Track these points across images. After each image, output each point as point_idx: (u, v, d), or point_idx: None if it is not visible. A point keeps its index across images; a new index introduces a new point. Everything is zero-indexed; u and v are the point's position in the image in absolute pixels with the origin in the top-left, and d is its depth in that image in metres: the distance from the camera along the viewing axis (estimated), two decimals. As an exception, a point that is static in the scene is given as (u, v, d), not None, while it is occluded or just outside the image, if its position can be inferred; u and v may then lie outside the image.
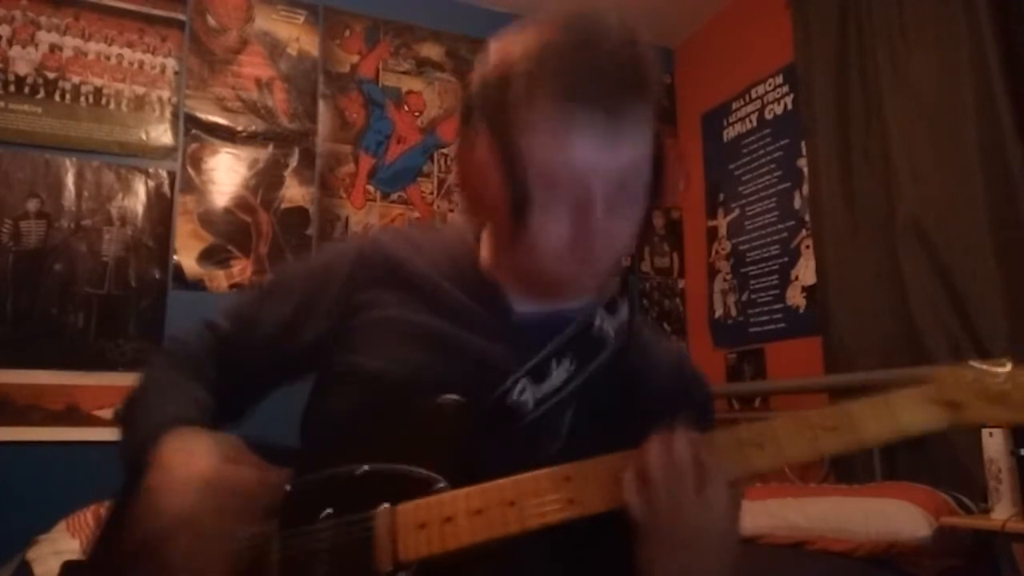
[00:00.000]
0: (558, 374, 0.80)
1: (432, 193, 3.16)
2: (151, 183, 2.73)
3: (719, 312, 3.33)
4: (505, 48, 0.76)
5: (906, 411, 0.69)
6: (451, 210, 3.16)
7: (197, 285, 2.72)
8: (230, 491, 0.70)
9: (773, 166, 3.09)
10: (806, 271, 2.88)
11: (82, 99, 2.68)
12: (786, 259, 2.98)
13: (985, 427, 1.81)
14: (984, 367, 0.69)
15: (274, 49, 3.01)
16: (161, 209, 2.72)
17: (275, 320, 0.89)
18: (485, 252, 0.88)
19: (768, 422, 0.71)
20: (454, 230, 0.95)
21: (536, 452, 0.75)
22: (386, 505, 0.72)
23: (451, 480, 0.73)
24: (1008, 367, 0.68)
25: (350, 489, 0.74)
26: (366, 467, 0.75)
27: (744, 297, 3.18)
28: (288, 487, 0.74)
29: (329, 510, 0.74)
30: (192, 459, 0.72)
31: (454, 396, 0.75)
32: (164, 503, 0.71)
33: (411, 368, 0.80)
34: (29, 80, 2.62)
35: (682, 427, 0.70)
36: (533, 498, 0.69)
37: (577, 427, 0.80)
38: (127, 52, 2.77)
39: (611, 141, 0.72)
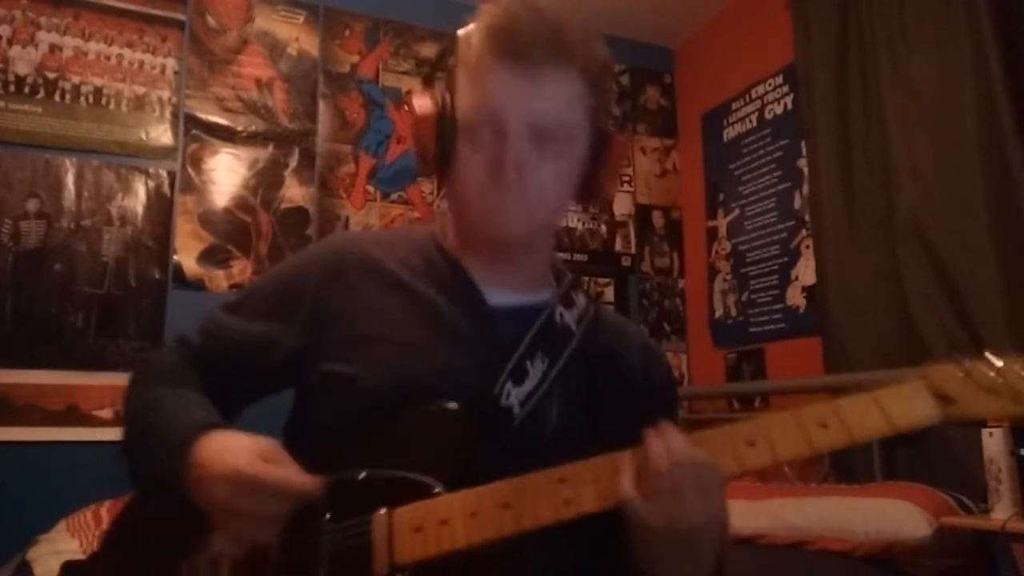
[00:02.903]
0: (535, 372, 0.83)
1: (432, 193, 3.16)
2: (151, 183, 2.73)
3: (719, 312, 3.33)
4: (472, 21, 0.85)
5: (897, 406, 0.69)
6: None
7: (197, 285, 2.72)
8: (265, 488, 0.71)
9: (773, 166, 3.09)
10: (806, 271, 2.88)
11: (82, 99, 2.68)
12: (786, 259, 2.98)
13: (984, 427, 1.81)
14: (976, 361, 0.68)
15: (274, 49, 3.01)
16: (161, 209, 2.72)
17: (248, 337, 0.89)
18: (450, 237, 0.91)
19: (761, 419, 0.71)
20: (420, 227, 0.98)
21: (530, 450, 0.76)
22: (383, 510, 0.73)
23: (451, 485, 0.73)
24: (1000, 361, 0.68)
25: (348, 495, 0.75)
26: (364, 473, 0.76)
27: (744, 297, 3.18)
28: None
29: (328, 516, 0.75)
30: (229, 456, 0.73)
31: (453, 404, 0.76)
32: (199, 497, 0.72)
33: (402, 376, 0.81)
34: (29, 80, 2.62)
35: (662, 416, 0.72)
36: (527, 500, 0.70)
37: (565, 419, 0.83)
38: (127, 52, 2.77)
39: (526, 90, 0.80)
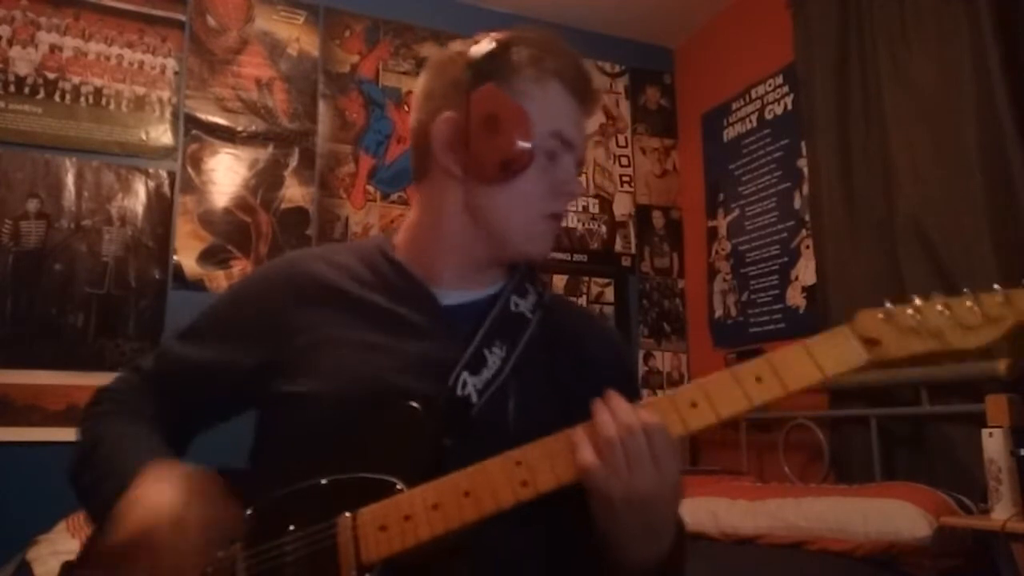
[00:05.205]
0: (493, 360, 0.85)
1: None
2: (151, 183, 2.73)
3: (719, 312, 3.32)
4: (511, 36, 0.90)
5: (826, 352, 0.72)
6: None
7: (197, 285, 2.72)
8: (192, 527, 0.73)
9: (773, 166, 3.09)
10: (806, 271, 2.87)
11: (82, 99, 2.68)
12: (786, 259, 2.98)
13: (984, 426, 1.80)
14: (897, 303, 0.71)
15: (274, 49, 3.01)
16: (161, 209, 2.73)
17: (203, 365, 0.89)
18: (405, 250, 0.93)
19: (698, 381, 0.74)
20: (367, 241, 1.00)
21: (493, 437, 0.77)
22: (347, 513, 0.74)
23: (420, 482, 0.74)
24: (919, 300, 0.70)
25: (312, 503, 0.76)
26: (324, 480, 0.77)
27: (744, 297, 3.18)
28: (249, 511, 0.77)
29: (292, 526, 0.76)
30: (161, 494, 0.75)
31: (413, 403, 0.78)
32: (128, 535, 0.74)
33: (361, 384, 0.82)
34: (29, 80, 2.62)
35: (620, 393, 0.74)
36: (486, 486, 0.72)
37: (524, 403, 0.84)
38: (127, 52, 2.77)
39: (584, 129, 0.92)
